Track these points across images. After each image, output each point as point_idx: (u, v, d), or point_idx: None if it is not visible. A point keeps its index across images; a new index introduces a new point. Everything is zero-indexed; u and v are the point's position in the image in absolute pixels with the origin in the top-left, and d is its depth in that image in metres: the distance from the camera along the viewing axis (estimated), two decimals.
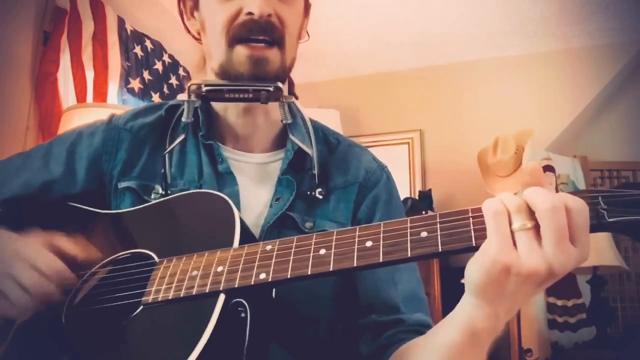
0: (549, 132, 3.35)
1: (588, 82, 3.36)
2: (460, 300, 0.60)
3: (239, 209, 0.84)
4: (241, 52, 0.82)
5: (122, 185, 0.88)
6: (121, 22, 2.61)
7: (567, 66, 3.41)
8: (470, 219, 0.57)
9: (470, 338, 0.59)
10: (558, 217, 0.52)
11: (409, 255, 0.57)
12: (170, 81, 2.95)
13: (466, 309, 0.59)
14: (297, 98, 0.99)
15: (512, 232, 0.54)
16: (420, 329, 0.79)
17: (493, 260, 0.53)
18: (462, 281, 0.58)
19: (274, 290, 0.72)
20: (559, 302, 2.92)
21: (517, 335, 2.81)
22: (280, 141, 0.94)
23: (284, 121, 0.88)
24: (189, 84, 0.85)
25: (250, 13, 0.81)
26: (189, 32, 0.94)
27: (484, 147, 3.15)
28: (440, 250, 0.56)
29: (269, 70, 0.83)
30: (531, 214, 0.54)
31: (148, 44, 2.80)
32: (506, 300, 0.56)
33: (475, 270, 0.54)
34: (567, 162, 3.24)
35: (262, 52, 0.82)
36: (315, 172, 0.89)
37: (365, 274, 0.86)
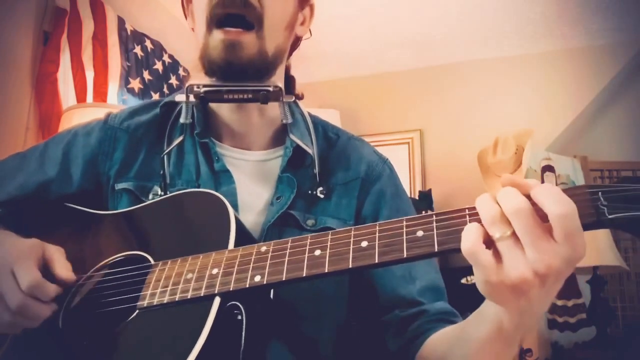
0: (549, 132, 3.35)
1: (588, 82, 3.35)
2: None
3: (236, 207, 0.83)
4: (216, 36, 0.81)
5: (118, 186, 0.88)
6: (121, 22, 2.60)
7: (567, 66, 3.40)
8: (467, 217, 0.55)
9: (499, 333, 0.58)
10: (524, 218, 0.49)
11: (405, 255, 0.56)
12: (170, 81, 2.95)
13: (492, 305, 0.58)
14: (302, 97, 0.98)
15: (495, 244, 0.51)
16: (444, 316, 0.78)
17: (484, 281, 0.52)
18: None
19: (272, 290, 0.71)
20: (559, 302, 2.91)
21: None
22: (279, 138, 0.93)
23: (284, 121, 0.87)
24: (187, 85, 0.84)
25: None
26: (193, 30, 0.94)
27: (484, 147, 3.16)
28: (436, 250, 0.55)
29: (243, 56, 0.81)
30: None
31: (148, 44, 2.80)
32: (520, 303, 0.53)
33: (479, 287, 0.53)
34: (567, 162, 3.24)
35: (237, 36, 0.81)
36: (316, 171, 0.88)
37: (381, 273, 0.84)
